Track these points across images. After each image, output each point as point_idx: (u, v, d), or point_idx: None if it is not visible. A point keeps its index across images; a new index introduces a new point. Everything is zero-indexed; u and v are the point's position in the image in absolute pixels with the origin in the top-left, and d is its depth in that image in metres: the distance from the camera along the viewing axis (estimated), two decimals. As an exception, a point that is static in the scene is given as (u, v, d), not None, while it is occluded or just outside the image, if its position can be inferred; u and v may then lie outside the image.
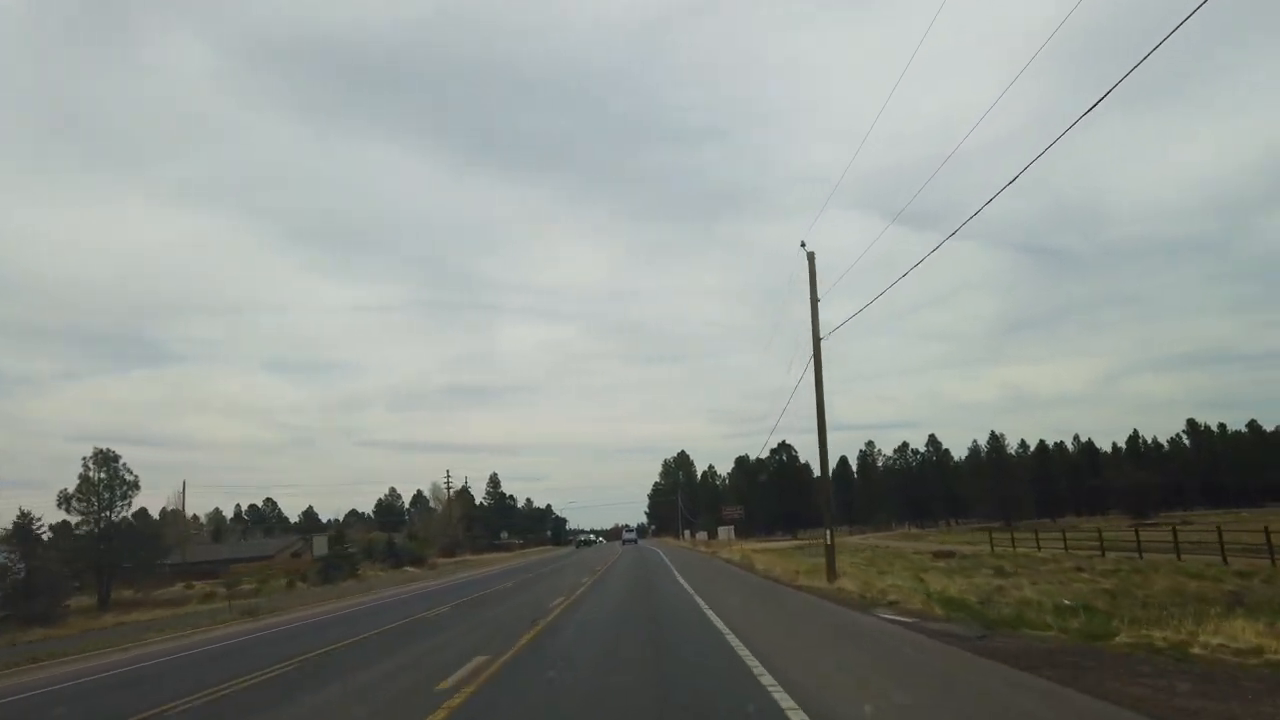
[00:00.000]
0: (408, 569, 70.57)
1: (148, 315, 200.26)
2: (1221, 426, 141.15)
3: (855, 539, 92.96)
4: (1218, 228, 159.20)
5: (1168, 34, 7.80)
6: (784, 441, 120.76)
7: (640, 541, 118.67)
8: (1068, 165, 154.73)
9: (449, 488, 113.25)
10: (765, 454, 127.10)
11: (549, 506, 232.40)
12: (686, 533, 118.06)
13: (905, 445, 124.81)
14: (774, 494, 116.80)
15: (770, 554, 53.41)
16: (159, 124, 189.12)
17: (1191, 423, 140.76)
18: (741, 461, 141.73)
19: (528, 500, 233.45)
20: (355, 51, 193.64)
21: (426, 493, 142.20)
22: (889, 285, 17.95)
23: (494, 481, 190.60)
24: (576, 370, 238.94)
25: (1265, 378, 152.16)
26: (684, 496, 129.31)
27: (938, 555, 47.34)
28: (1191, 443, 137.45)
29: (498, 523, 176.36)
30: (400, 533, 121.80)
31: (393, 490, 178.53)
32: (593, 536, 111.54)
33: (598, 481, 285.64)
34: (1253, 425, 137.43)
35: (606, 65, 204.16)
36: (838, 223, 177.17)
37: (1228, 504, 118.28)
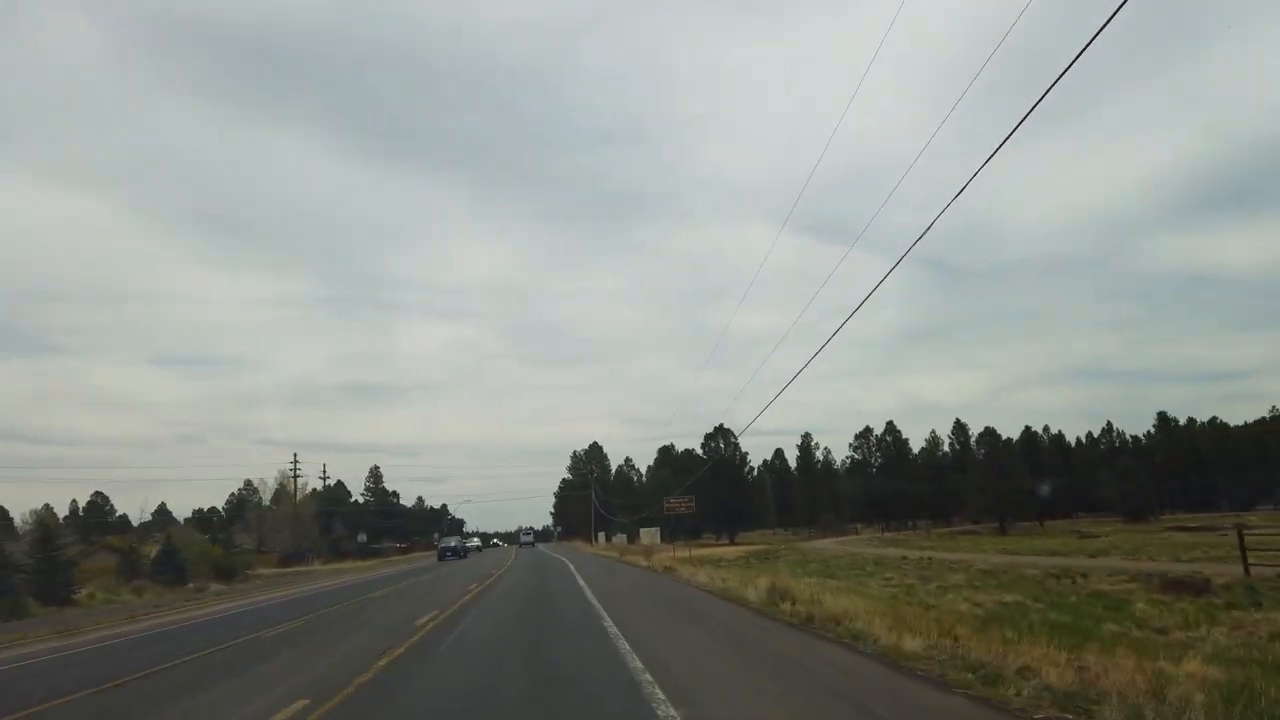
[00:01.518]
0: (207, 586, 46.18)
1: (23, 302, 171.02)
2: (1191, 421, 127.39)
3: (822, 544, 72.70)
4: (1099, 248, 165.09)
5: (1064, 69, 7.54)
6: (721, 426, 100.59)
7: (541, 546, 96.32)
8: (971, 185, 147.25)
9: (295, 478, 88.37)
10: (700, 441, 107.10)
11: (444, 507, 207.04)
12: (601, 535, 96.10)
13: (869, 432, 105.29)
14: (708, 490, 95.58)
15: (732, 570, 32.49)
16: (42, 103, 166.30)
17: (1163, 416, 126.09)
18: (666, 453, 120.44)
19: (418, 499, 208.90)
20: (258, 38, 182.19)
21: (269, 486, 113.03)
22: (856, 307, 13.87)
23: (375, 476, 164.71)
24: (481, 370, 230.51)
25: (1136, 394, 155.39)
26: (598, 492, 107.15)
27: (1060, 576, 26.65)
28: (1163, 439, 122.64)
29: (376, 524, 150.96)
30: (243, 534, 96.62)
31: (248, 484, 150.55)
32: (476, 542, 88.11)
33: (502, 484, 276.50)
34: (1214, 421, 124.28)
35: (517, 64, 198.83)
36: (748, 231, 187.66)
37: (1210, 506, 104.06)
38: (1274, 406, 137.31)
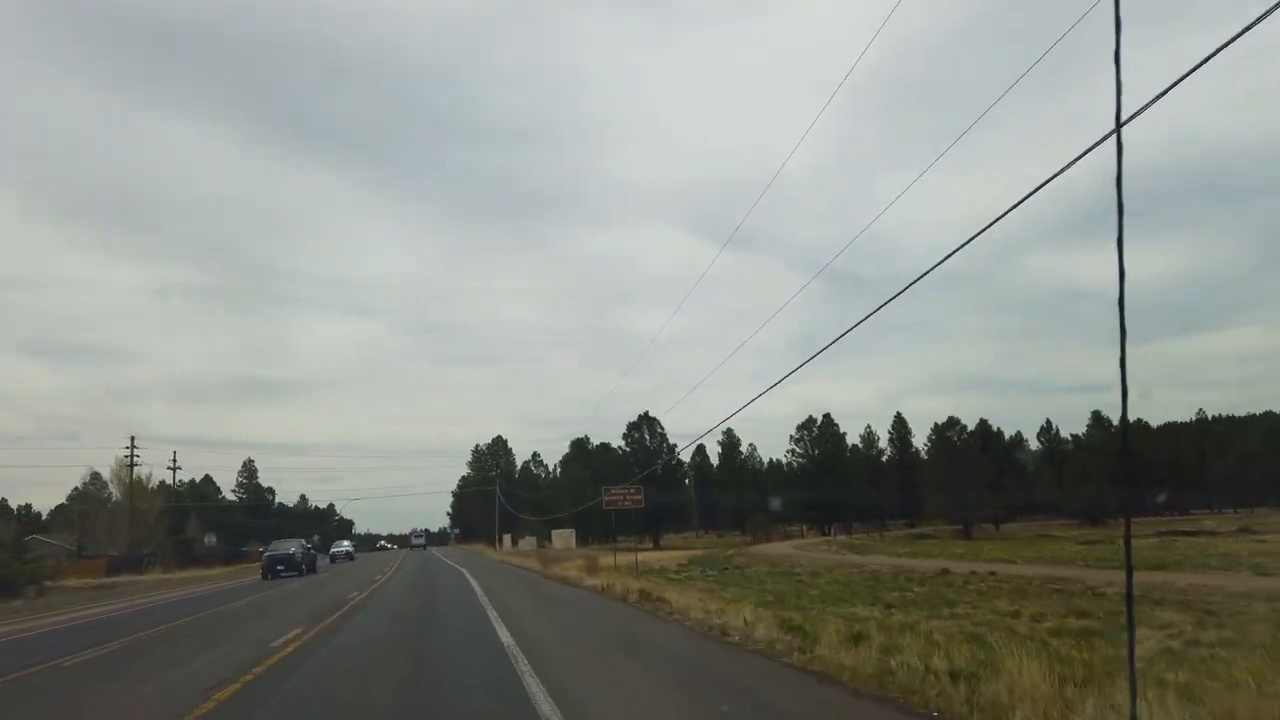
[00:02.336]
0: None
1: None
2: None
3: (774, 550, 61.78)
4: (985, 264, 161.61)
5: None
6: (646, 414, 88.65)
7: (435, 550, 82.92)
8: (865, 199, 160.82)
9: (132, 467, 72.32)
10: (622, 433, 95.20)
11: (330, 506, 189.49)
12: (506, 538, 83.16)
13: (812, 422, 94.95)
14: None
15: (737, 594, 21.00)
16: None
17: (1097, 415, 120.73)
18: (580, 446, 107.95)
19: (301, 498, 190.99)
20: (145, 17, 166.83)
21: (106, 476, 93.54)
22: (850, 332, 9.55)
23: (248, 471, 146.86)
24: (381, 368, 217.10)
25: (1020, 402, 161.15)
26: (503, 489, 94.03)
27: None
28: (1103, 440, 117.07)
29: (246, 525, 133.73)
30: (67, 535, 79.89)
31: (95, 476, 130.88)
32: (347, 546, 73.58)
33: (398, 484, 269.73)
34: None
35: (427, 59, 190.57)
36: (656, 233, 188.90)
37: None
38: (1201, 410, 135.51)
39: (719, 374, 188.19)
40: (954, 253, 7.67)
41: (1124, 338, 2.99)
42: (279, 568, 40.56)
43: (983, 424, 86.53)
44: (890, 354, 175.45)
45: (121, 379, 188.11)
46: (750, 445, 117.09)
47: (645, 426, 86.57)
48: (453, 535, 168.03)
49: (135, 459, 72.42)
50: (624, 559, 41.01)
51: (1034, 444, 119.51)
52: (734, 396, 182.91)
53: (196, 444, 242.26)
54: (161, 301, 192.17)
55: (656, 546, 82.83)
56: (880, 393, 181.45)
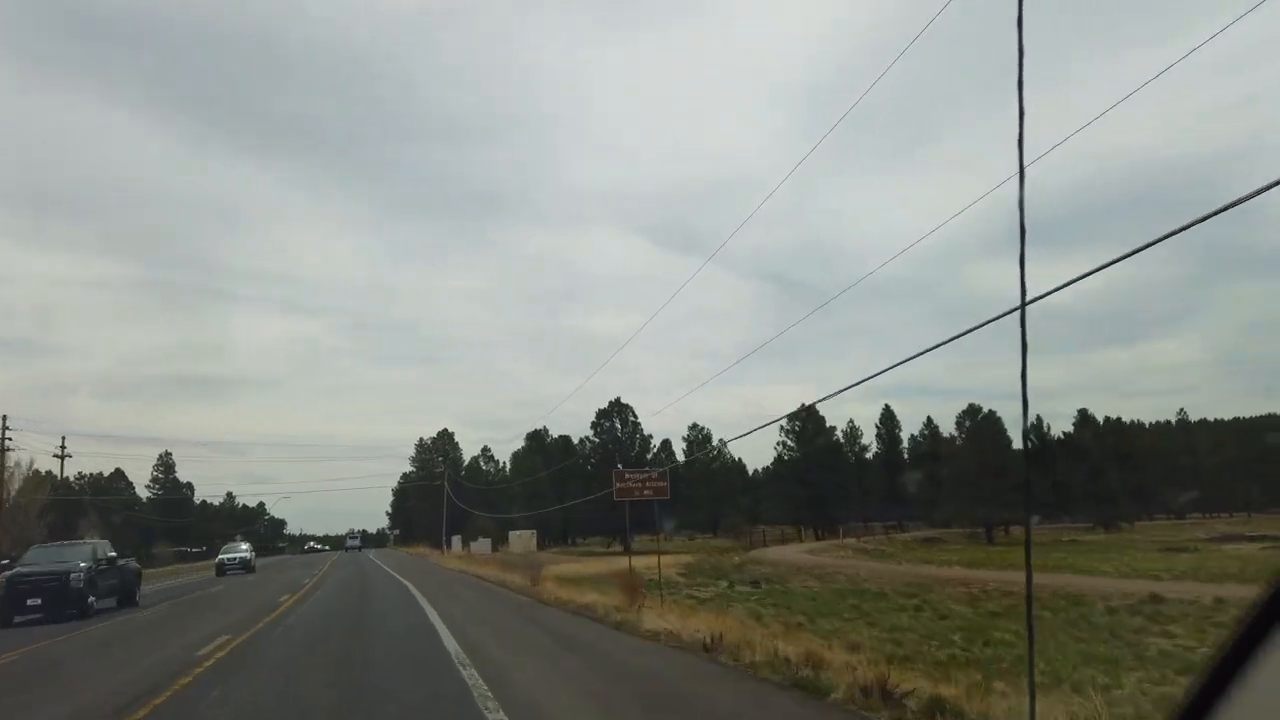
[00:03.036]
0: None
1: None
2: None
3: (784, 554, 52.25)
4: (929, 273, 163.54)
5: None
6: (618, 401, 78.03)
7: (372, 554, 71.62)
8: (812, 206, 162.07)
9: (3, 450, 59.68)
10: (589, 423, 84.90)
11: (261, 505, 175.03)
12: (456, 540, 72.16)
13: (809, 410, 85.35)
14: (599, 484, 73.27)
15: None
16: None
17: (1084, 413, 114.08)
18: (537, 438, 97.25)
19: (228, 495, 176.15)
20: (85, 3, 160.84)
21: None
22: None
23: (164, 465, 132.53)
24: (318, 366, 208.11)
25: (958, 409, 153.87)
26: (453, 481, 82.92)
27: None
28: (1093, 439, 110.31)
29: (160, 524, 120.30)
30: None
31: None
32: (244, 552, 58.38)
33: (337, 484, 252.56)
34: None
35: (374, 54, 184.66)
36: (604, 235, 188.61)
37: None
38: (1182, 409, 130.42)
39: (675, 374, 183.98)
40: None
41: (1025, 351, 3.39)
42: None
43: (992, 414, 78.26)
44: (836, 359, 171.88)
45: (45, 373, 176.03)
46: (720, 440, 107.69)
47: (616, 415, 76.30)
48: (392, 537, 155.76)
49: (7, 441, 59.93)
50: (615, 566, 31.68)
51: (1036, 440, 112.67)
52: (689, 397, 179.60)
53: (124, 440, 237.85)
54: (91, 294, 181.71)
55: (626, 550, 73.02)
56: (822, 392, 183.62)
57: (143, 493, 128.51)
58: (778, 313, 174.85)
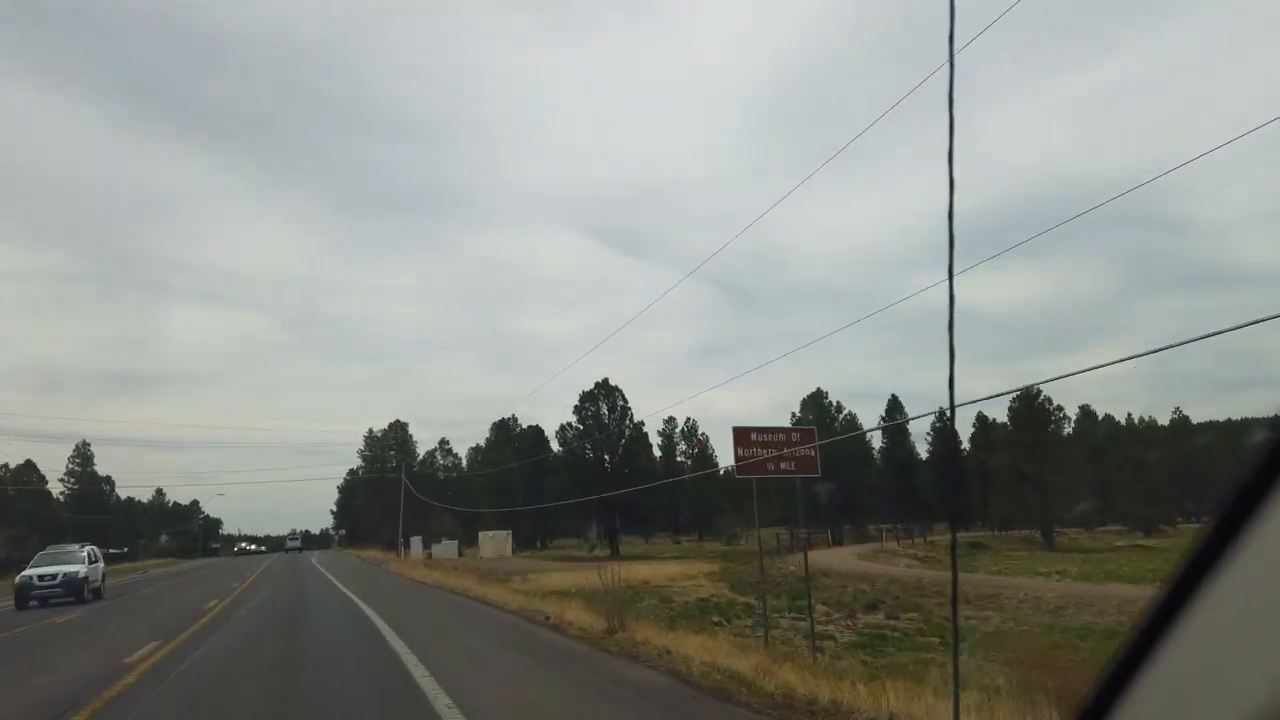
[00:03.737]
0: None
1: None
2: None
3: (827, 558, 42.93)
4: (870, 281, 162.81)
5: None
6: (605, 382, 67.30)
7: (315, 559, 60.54)
8: (759, 214, 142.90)
9: None
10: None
11: (194, 503, 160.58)
12: (416, 542, 61.42)
13: (821, 396, 75.99)
14: (583, 477, 62.92)
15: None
16: None
17: (1086, 409, 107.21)
18: (503, 428, 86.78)
19: (158, 492, 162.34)
20: None
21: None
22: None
23: (81, 457, 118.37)
24: (260, 364, 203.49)
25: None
26: (409, 474, 72.11)
27: None
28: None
29: (75, 523, 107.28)
30: None
31: None
32: (65, 562, 36.73)
33: (277, 483, 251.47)
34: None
35: (317, 45, 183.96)
36: (548, 236, 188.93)
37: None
38: (1178, 408, 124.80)
39: (621, 377, 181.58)
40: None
41: (953, 361, 3.13)
42: None
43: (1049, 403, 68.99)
44: (784, 365, 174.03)
45: None
46: (704, 435, 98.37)
47: (603, 397, 65.76)
48: (337, 538, 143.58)
49: None
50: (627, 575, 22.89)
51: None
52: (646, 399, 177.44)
53: (49, 438, 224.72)
54: (18, 285, 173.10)
55: (615, 555, 63.19)
56: (770, 402, 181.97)
57: (55, 487, 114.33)
58: (722, 317, 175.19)
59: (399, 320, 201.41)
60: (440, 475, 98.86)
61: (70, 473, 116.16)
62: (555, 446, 79.37)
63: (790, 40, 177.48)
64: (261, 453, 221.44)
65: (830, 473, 64.74)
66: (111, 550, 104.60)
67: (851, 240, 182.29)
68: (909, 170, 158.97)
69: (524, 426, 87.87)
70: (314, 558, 65.38)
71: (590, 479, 60.92)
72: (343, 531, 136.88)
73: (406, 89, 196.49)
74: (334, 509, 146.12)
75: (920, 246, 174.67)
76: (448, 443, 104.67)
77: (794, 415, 76.90)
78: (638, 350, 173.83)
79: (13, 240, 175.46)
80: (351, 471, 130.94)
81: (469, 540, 64.77)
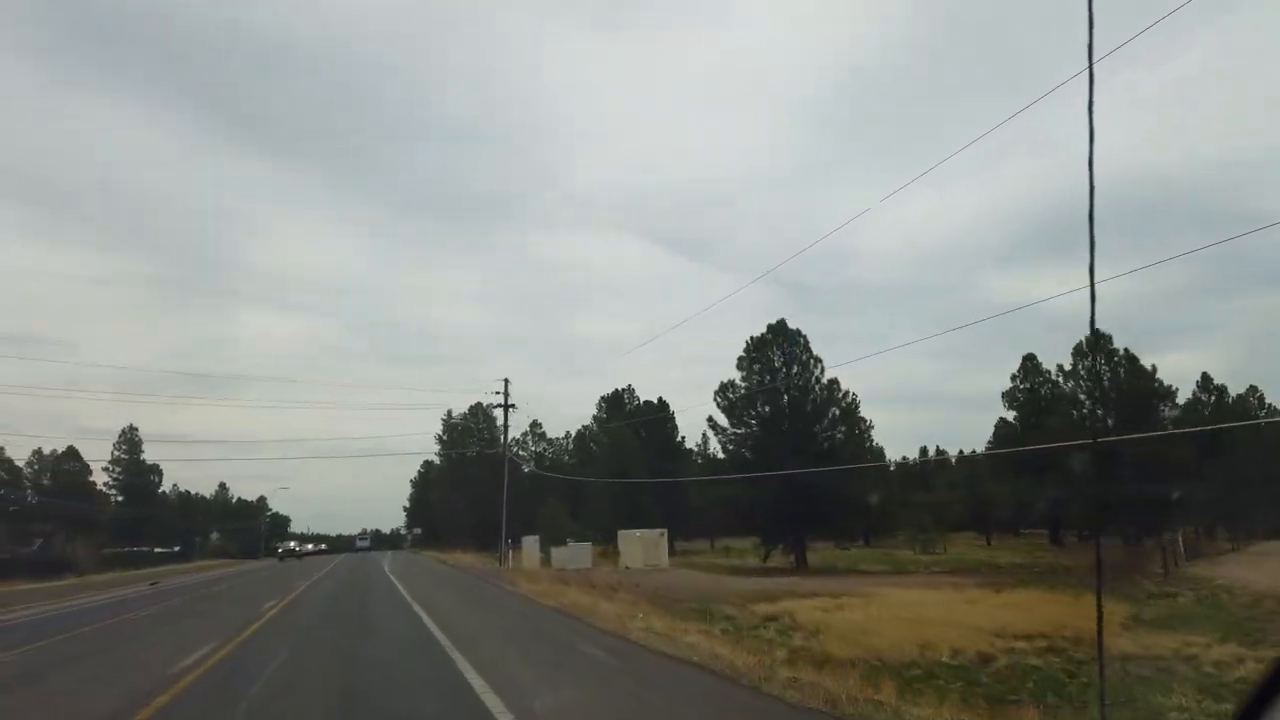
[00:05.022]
0: None
1: None
2: None
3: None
4: (933, 279, 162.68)
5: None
6: (782, 323, 48.56)
7: (387, 565, 43.55)
8: (822, 211, 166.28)
9: None
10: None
11: (261, 499, 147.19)
12: (532, 542, 43.96)
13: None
14: (771, 440, 44.61)
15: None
16: None
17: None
18: (617, 403, 69.62)
19: (221, 486, 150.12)
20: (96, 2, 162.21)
21: None
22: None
23: (128, 443, 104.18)
24: (331, 367, 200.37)
25: (958, 417, 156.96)
26: (512, 460, 55.19)
27: None
28: None
29: (123, 520, 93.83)
30: None
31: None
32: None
33: (348, 482, 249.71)
34: None
35: (381, 55, 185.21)
36: (610, 239, 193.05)
37: None
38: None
39: (665, 380, 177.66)
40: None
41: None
42: None
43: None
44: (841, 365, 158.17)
45: (60, 370, 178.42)
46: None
47: (777, 344, 46.80)
48: (410, 538, 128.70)
49: None
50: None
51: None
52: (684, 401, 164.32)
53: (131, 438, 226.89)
54: (101, 292, 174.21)
55: (800, 564, 45.15)
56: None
57: (100, 477, 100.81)
58: (782, 314, 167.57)
59: (464, 322, 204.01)
60: (530, 465, 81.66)
61: (116, 460, 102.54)
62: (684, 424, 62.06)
63: (848, 38, 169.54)
64: (337, 452, 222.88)
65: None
66: (158, 549, 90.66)
67: (916, 237, 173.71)
68: (968, 169, 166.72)
69: (640, 401, 70.58)
70: (385, 564, 48.53)
71: (766, 454, 42.98)
72: (417, 530, 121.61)
73: (467, 96, 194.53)
74: (406, 505, 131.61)
75: (984, 242, 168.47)
76: (539, 425, 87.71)
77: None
78: (687, 352, 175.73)
79: (92, 246, 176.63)
80: (426, 463, 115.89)
81: (600, 539, 47.59)
